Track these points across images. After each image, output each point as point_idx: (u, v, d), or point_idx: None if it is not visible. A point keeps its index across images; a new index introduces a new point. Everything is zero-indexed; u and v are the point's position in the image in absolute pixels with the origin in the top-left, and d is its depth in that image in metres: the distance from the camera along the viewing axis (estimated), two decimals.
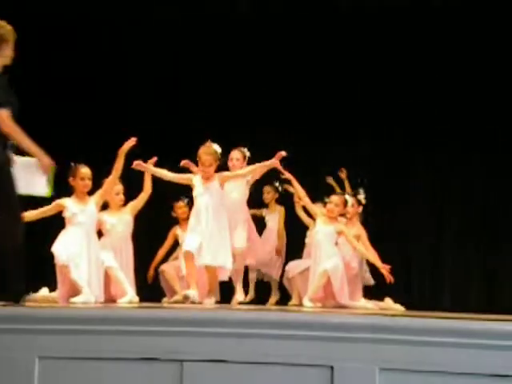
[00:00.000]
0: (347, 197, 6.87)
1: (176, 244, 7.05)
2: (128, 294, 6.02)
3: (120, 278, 6.14)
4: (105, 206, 6.44)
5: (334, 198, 6.77)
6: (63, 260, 5.79)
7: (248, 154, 6.71)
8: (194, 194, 6.05)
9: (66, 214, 6.00)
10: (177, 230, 7.08)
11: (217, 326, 3.80)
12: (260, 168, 6.48)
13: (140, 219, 6.58)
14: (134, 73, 8.28)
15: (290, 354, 3.73)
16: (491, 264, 8.12)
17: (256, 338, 3.76)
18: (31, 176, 4.83)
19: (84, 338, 3.80)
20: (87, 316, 3.95)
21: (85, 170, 6.01)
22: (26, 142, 4.64)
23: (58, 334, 3.80)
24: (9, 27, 4.68)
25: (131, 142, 6.03)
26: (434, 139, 8.25)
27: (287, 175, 6.92)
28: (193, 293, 5.75)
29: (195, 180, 6.08)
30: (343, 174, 7.64)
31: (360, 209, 7.11)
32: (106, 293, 6.23)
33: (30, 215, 5.79)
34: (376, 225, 7.33)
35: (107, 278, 6.22)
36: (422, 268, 8.30)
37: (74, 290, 5.84)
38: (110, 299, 6.19)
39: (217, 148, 6.08)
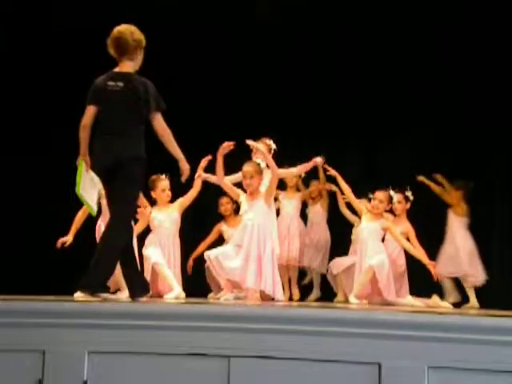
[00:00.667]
0: (392, 193, 6.83)
1: (221, 240, 7.08)
2: (175, 290, 6.06)
3: (167, 274, 6.20)
4: (153, 202, 6.51)
5: (379, 195, 6.74)
6: (156, 259, 6.20)
7: (274, 145, 6.70)
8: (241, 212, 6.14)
9: (154, 223, 6.43)
10: (222, 226, 7.12)
11: (264, 323, 3.81)
12: (305, 168, 6.59)
13: (187, 215, 6.63)
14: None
15: (337, 351, 3.72)
16: None
17: (303, 335, 3.76)
18: (93, 190, 4.99)
19: (132, 333, 3.84)
20: (136, 311, 3.99)
21: (165, 183, 6.41)
22: (173, 144, 4.92)
23: (107, 329, 3.84)
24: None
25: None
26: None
27: (332, 172, 6.90)
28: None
29: (242, 198, 6.15)
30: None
31: (408, 205, 7.04)
32: (153, 289, 6.30)
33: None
34: (424, 222, 7.24)
35: (154, 274, 6.29)
36: None
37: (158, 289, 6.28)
38: (158, 295, 6.25)
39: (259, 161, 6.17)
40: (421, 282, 6.83)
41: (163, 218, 6.42)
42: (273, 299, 5.90)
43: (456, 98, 8.16)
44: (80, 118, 4.85)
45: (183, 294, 6.13)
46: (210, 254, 5.97)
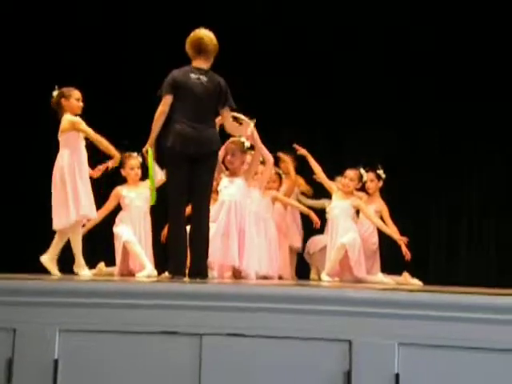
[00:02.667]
0: (362, 171, 6.85)
1: None
2: (146, 268, 6.04)
3: (138, 252, 6.17)
4: (123, 181, 6.48)
5: (349, 173, 6.77)
6: (127, 237, 6.15)
7: (247, 143, 6.28)
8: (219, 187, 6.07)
9: (124, 201, 6.36)
10: None
11: (235, 300, 3.82)
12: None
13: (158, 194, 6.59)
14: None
15: (308, 328, 3.74)
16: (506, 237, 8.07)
17: (274, 313, 3.78)
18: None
19: (104, 311, 3.83)
20: (107, 289, 3.97)
21: (134, 161, 6.35)
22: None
23: (78, 307, 3.83)
24: None
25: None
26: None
27: (302, 151, 6.91)
28: None
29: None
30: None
31: (380, 183, 7.07)
32: (124, 267, 6.28)
33: (99, 216, 6.13)
34: (393, 200, 7.28)
35: (125, 252, 6.26)
36: (439, 242, 8.26)
37: (129, 267, 6.27)
38: (129, 273, 6.24)
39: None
40: (392, 259, 6.90)
41: (134, 196, 6.38)
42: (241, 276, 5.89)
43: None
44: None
45: (155, 272, 6.11)
46: None
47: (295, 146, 6.88)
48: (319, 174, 6.91)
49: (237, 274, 5.89)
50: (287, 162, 7.11)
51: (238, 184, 5.98)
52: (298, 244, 7.25)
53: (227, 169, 6.11)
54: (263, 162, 6.41)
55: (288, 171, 7.11)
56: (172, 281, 4.94)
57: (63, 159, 5.53)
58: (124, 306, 3.83)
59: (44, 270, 5.57)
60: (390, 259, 6.99)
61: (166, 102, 5.20)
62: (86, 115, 5.68)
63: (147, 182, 6.38)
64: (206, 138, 5.22)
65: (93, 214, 5.69)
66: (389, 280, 6.68)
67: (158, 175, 5.42)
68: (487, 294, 4.08)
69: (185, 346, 3.78)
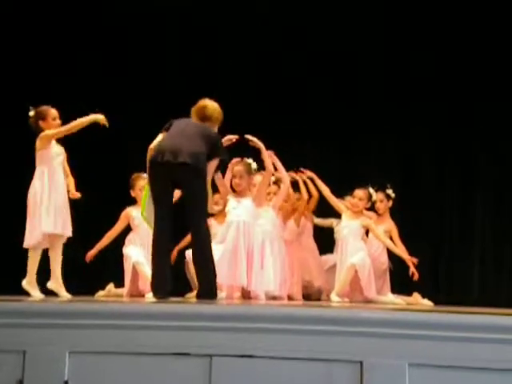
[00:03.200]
0: (371, 190, 6.84)
1: None
2: None
3: (148, 273, 6.16)
4: (132, 201, 6.49)
5: (358, 192, 6.77)
6: (136, 258, 6.18)
7: (254, 165, 6.42)
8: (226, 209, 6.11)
9: (134, 222, 6.41)
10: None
11: (245, 321, 3.81)
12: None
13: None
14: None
15: (319, 349, 3.71)
16: None
17: (284, 334, 3.75)
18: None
19: (114, 332, 3.82)
20: (117, 311, 3.97)
21: (144, 182, 6.23)
22: None
23: (88, 329, 3.82)
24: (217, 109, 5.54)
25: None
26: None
27: (309, 173, 6.90)
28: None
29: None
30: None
31: (390, 203, 7.06)
32: (134, 288, 6.28)
33: (108, 237, 6.33)
34: (405, 221, 7.28)
35: (135, 274, 6.27)
36: (451, 263, 8.23)
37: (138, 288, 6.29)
38: (138, 294, 6.23)
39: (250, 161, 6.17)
40: (403, 279, 6.88)
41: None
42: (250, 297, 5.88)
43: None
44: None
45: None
46: (186, 255, 5.91)
47: (302, 169, 6.89)
48: (327, 194, 6.90)
49: (246, 295, 5.89)
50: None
51: (245, 204, 6.01)
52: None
53: (234, 191, 6.13)
54: (275, 182, 6.45)
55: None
56: (158, 301, 4.88)
57: (36, 177, 5.50)
58: (134, 328, 3.82)
59: (51, 292, 5.56)
60: (400, 279, 6.97)
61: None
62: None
63: None
64: (187, 149, 5.08)
65: (58, 231, 5.49)
66: (399, 300, 6.65)
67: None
68: (499, 314, 4.06)
69: (195, 368, 3.76)
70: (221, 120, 5.51)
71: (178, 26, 8.23)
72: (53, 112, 5.60)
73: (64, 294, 5.47)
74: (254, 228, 6.00)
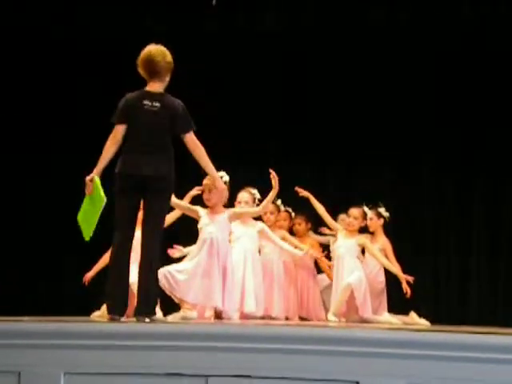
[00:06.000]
0: (366, 209, 6.83)
1: None
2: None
3: None
4: None
5: (353, 211, 6.77)
6: (133, 278, 5.59)
7: (258, 195, 6.39)
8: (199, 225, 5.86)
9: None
10: None
11: (242, 341, 3.79)
12: (271, 200, 6.23)
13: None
14: None
15: (316, 369, 3.71)
16: None
17: (280, 353, 3.74)
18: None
19: (109, 353, 3.80)
20: (112, 331, 3.95)
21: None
22: (206, 160, 5.02)
23: (83, 350, 3.80)
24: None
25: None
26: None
27: (305, 193, 6.90)
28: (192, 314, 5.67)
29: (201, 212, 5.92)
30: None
31: (381, 221, 7.05)
32: (130, 308, 6.23)
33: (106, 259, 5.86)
34: (402, 237, 7.29)
35: (131, 294, 6.21)
36: (449, 282, 8.23)
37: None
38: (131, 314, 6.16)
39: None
40: (399, 299, 6.87)
41: (140, 237, 6.32)
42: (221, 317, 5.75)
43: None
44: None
45: (160, 314, 6.07)
46: (164, 271, 5.59)
47: (297, 188, 6.88)
48: (323, 214, 6.89)
49: (218, 315, 5.77)
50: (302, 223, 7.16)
51: (219, 221, 5.83)
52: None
53: (206, 206, 6.00)
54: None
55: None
56: (110, 321, 4.76)
57: None
58: (128, 348, 3.80)
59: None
60: (397, 299, 6.96)
61: (118, 130, 4.90)
62: None
63: None
64: (155, 162, 4.83)
65: None
66: (395, 320, 6.63)
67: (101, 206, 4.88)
68: (495, 333, 4.06)
69: None
70: (172, 68, 5.02)
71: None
72: None
73: None
74: (227, 244, 5.87)
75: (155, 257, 4.89)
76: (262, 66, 8.23)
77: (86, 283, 6.48)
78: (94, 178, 4.85)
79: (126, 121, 4.89)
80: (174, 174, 4.91)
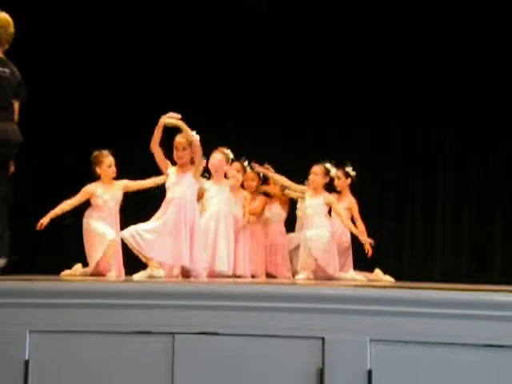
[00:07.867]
0: (328, 165, 6.76)
1: None
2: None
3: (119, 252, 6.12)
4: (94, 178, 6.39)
5: (314, 168, 6.67)
6: (113, 236, 6.04)
7: (231, 155, 6.40)
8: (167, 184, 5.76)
9: (97, 201, 6.21)
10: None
11: (208, 299, 3.82)
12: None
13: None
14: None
15: (281, 326, 3.75)
16: (481, 236, 8.16)
17: (246, 311, 3.78)
18: None
19: (75, 311, 3.81)
20: (78, 290, 3.95)
21: (110, 159, 6.26)
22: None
23: (49, 308, 3.81)
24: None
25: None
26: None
27: (261, 169, 6.81)
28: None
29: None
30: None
31: (349, 181, 7.05)
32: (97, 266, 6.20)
33: (62, 209, 6.05)
34: (368, 198, 7.33)
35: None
36: (413, 239, 8.32)
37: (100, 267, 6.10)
38: (98, 273, 6.14)
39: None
40: (364, 256, 6.93)
41: (108, 198, 6.27)
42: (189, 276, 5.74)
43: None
44: None
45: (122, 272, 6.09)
46: (126, 233, 5.53)
47: (254, 165, 6.79)
48: (286, 182, 6.83)
49: (185, 274, 5.78)
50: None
51: (187, 180, 5.73)
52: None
53: (174, 164, 5.85)
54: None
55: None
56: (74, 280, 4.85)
57: None
58: (95, 306, 3.81)
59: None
60: (363, 256, 7.02)
61: None
62: None
63: (122, 184, 6.32)
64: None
65: None
66: (360, 277, 6.69)
67: None
68: (459, 289, 4.12)
69: (157, 346, 3.76)
70: (10, 33, 5.20)
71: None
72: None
73: None
74: (195, 204, 5.80)
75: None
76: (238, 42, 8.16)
77: (40, 229, 6.26)
78: None
79: None
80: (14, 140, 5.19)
